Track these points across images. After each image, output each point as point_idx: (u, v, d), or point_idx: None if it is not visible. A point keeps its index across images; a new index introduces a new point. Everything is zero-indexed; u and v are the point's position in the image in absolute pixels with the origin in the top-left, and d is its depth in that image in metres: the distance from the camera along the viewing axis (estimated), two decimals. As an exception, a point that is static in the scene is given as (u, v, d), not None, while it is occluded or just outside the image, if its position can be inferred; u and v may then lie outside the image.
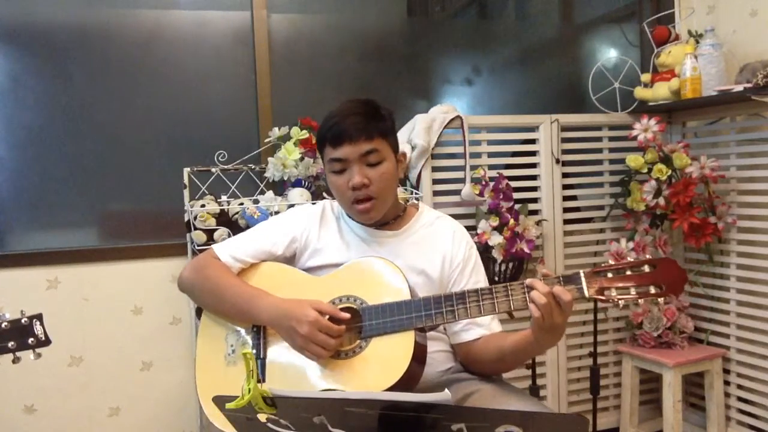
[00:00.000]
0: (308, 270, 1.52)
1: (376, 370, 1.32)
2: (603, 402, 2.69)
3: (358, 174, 1.42)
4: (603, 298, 1.27)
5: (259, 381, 1.39)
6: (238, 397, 0.98)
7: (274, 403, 0.98)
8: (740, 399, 2.49)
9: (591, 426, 2.48)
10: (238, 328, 1.48)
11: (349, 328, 1.37)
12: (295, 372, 1.38)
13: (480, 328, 1.47)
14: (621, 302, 1.27)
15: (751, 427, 2.45)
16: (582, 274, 1.28)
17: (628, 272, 1.27)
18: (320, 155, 1.51)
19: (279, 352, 1.41)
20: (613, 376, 2.72)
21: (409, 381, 1.30)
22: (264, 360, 1.42)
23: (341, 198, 1.49)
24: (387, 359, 1.32)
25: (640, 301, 1.29)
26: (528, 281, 1.27)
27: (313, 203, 1.64)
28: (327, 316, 1.35)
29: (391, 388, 1.27)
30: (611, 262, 2.50)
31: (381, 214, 1.49)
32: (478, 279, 1.54)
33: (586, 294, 1.27)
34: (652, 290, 1.26)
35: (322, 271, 1.50)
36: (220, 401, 1.01)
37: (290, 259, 1.56)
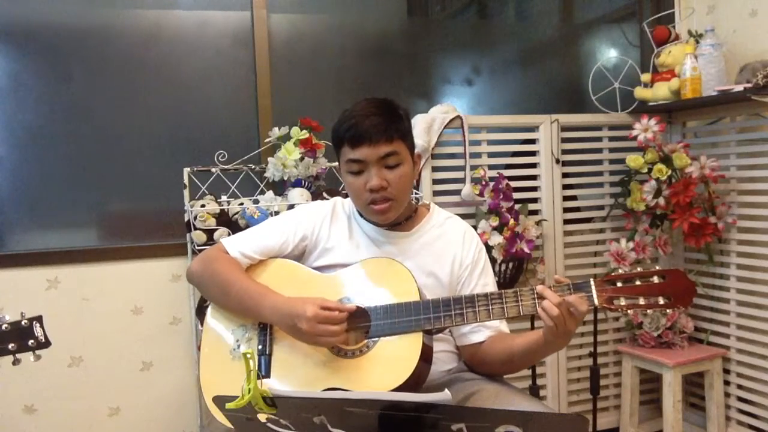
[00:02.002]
0: (317, 269, 1.51)
1: (383, 370, 1.32)
2: (603, 402, 2.69)
3: (377, 176, 1.41)
4: (612, 307, 1.28)
5: (264, 377, 1.39)
6: (238, 397, 0.98)
7: (274, 403, 0.98)
8: (740, 399, 2.48)
9: (591, 426, 2.48)
10: (245, 323, 1.48)
11: (356, 327, 1.37)
12: (301, 370, 1.38)
13: (488, 330, 1.48)
14: (630, 312, 1.28)
15: (751, 427, 2.45)
16: (592, 283, 1.28)
17: (638, 282, 1.28)
18: (336, 154, 1.49)
19: (285, 349, 1.41)
20: (613, 376, 2.72)
21: (415, 382, 1.30)
22: (270, 357, 1.42)
23: (357, 199, 1.48)
24: (394, 360, 1.32)
25: (648, 311, 1.30)
26: (539, 288, 1.28)
27: (326, 200, 1.63)
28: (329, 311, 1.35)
29: (398, 389, 1.27)
30: (612, 263, 2.52)
31: (395, 216, 1.49)
32: (487, 282, 1.54)
33: (596, 302, 1.28)
34: (661, 301, 1.27)
35: (331, 270, 1.49)
36: (219, 401, 1.01)
37: (299, 257, 1.55)
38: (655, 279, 1.27)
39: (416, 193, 2.35)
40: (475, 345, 1.49)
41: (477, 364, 1.52)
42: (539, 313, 1.27)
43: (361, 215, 1.55)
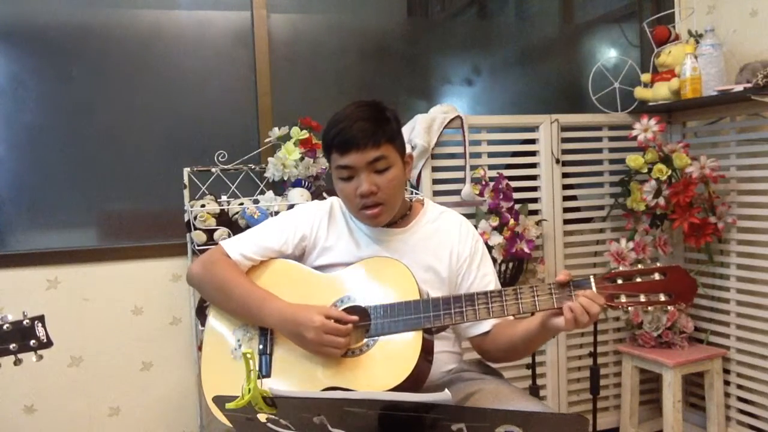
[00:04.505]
0: (317, 268, 1.52)
1: (383, 368, 1.32)
2: (603, 402, 2.69)
3: (366, 182, 1.41)
4: (613, 304, 1.28)
5: (265, 377, 1.40)
6: (238, 397, 0.98)
7: (274, 403, 0.98)
8: (740, 399, 2.48)
9: (591, 426, 2.48)
10: (246, 323, 1.48)
11: (356, 327, 1.37)
12: (302, 369, 1.38)
13: (491, 319, 1.47)
14: (630, 309, 1.29)
15: (751, 427, 2.45)
16: (592, 280, 1.29)
17: (638, 279, 1.28)
18: (326, 160, 1.50)
19: (286, 349, 1.42)
20: (613, 376, 2.72)
21: (416, 380, 1.31)
22: (271, 356, 1.42)
23: (349, 204, 1.49)
24: (395, 358, 1.32)
25: (649, 308, 1.30)
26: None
27: (322, 200, 1.64)
28: (333, 320, 1.35)
29: (398, 387, 1.27)
30: (612, 263, 2.51)
31: (389, 219, 1.49)
32: (486, 272, 1.54)
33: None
34: (662, 298, 1.27)
35: (332, 270, 1.50)
36: (219, 401, 1.01)
37: (299, 257, 1.56)
38: (656, 276, 1.27)
39: (416, 193, 2.35)
40: (481, 335, 1.49)
41: (484, 353, 1.53)
42: (564, 310, 1.26)
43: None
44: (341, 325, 1.34)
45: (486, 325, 1.48)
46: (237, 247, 1.53)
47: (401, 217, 1.55)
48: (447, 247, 1.52)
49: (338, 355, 1.34)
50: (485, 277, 1.53)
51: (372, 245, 1.51)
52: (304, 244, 1.54)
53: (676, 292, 1.26)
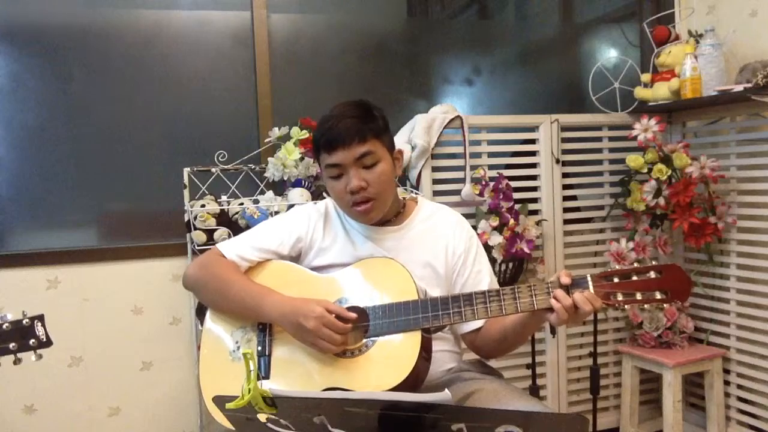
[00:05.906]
0: (314, 269, 1.52)
1: (382, 368, 1.32)
2: (603, 402, 2.69)
3: (355, 178, 1.42)
4: (609, 302, 1.29)
5: (263, 378, 1.40)
6: (238, 397, 0.98)
7: (274, 403, 0.98)
8: (740, 399, 2.49)
9: (591, 426, 2.48)
10: (244, 325, 1.48)
11: (355, 327, 1.38)
12: (301, 370, 1.38)
13: None
14: (627, 307, 1.30)
15: (751, 427, 2.45)
16: (589, 278, 1.30)
17: (634, 277, 1.29)
18: (317, 161, 1.51)
19: (285, 350, 1.42)
20: (613, 376, 2.72)
21: (415, 380, 1.31)
22: (269, 357, 1.42)
23: (340, 202, 1.50)
24: (393, 358, 1.32)
25: (645, 306, 1.32)
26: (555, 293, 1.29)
27: (315, 202, 1.64)
28: (333, 315, 1.36)
29: (397, 388, 1.27)
30: (612, 263, 2.51)
31: (381, 214, 1.50)
32: (481, 268, 1.55)
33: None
34: (658, 296, 1.28)
35: (329, 270, 1.50)
36: (219, 401, 1.01)
37: (296, 259, 1.56)
38: (652, 274, 1.29)
39: (416, 193, 2.35)
40: (473, 332, 1.51)
41: (478, 349, 1.54)
42: (553, 303, 1.27)
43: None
44: (339, 323, 1.34)
45: (479, 321, 1.49)
46: (233, 248, 1.53)
47: (395, 215, 1.55)
48: (442, 244, 1.53)
49: (333, 352, 1.35)
50: (479, 274, 1.53)
51: (368, 244, 1.52)
52: (300, 245, 1.55)
53: (672, 290, 1.28)
